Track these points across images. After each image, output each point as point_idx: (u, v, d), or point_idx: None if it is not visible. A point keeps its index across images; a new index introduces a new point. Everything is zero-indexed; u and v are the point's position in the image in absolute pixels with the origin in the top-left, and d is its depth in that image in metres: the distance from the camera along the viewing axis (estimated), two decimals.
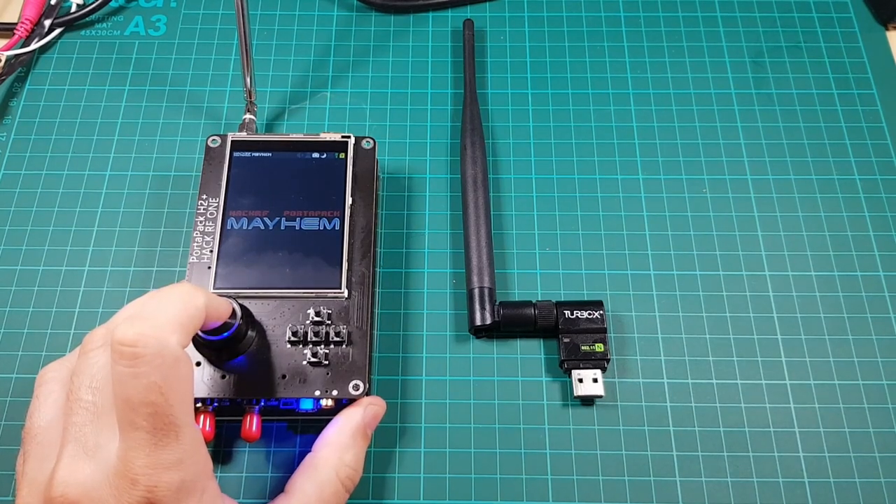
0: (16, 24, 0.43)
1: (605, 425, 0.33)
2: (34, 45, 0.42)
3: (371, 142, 0.36)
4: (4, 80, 0.41)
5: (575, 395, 0.33)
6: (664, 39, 0.44)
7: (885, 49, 0.43)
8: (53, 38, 0.43)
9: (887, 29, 0.44)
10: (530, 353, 0.35)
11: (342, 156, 0.35)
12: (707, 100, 0.42)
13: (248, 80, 0.38)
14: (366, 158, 0.35)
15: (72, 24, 0.44)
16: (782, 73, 0.43)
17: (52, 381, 0.27)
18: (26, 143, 0.40)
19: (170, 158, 0.40)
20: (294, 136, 0.36)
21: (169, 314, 0.24)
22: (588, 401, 0.34)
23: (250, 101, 0.38)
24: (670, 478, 0.32)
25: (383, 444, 0.33)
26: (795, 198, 0.39)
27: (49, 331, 0.35)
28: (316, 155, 0.35)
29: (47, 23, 0.43)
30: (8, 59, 0.41)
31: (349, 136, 0.35)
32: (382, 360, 0.35)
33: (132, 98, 0.42)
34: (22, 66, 0.42)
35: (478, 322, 0.34)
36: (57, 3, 0.44)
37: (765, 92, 0.42)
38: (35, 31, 0.43)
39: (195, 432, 0.24)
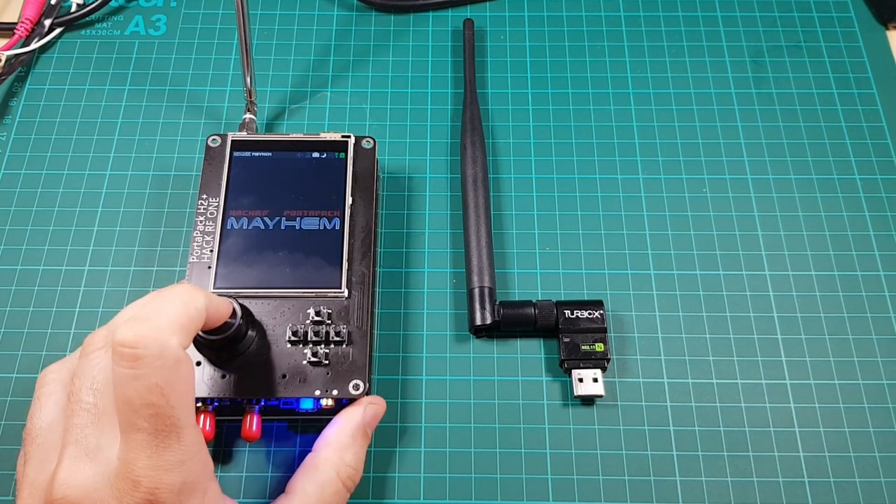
0: (16, 23, 0.43)
1: (605, 425, 0.33)
2: (34, 45, 0.42)
3: (371, 141, 0.36)
4: (4, 79, 0.41)
5: (575, 394, 0.33)
6: (664, 39, 0.44)
7: (885, 49, 0.43)
8: (53, 38, 0.43)
9: (887, 28, 0.44)
10: (530, 352, 0.35)
11: (342, 155, 0.35)
12: (707, 99, 0.42)
13: (248, 79, 0.38)
14: (366, 158, 0.35)
15: (72, 24, 0.44)
16: (782, 73, 0.43)
17: (53, 383, 0.27)
18: (26, 142, 0.40)
19: (170, 158, 0.40)
20: (294, 135, 0.36)
21: (169, 315, 0.24)
22: (588, 400, 0.34)
23: (250, 101, 0.38)
24: (670, 477, 0.32)
25: (383, 444, 0.33)
26: (795, 197, 0.39)
27: (49, 330, 0.35)
28: (316, 155, 0.35)
29: (47, 22, 0.43)
30: (8, 59, 0.41)
31: (349, 136, 0.35)
32: (382, 359, 0.35)
33: (132, 98, 0.42)
34: (22, 66, 0.42)
35: (478, 322, 0.34)
36: (57, 3, 0.44)
37: (765, 91, 0.42)
38: (35, 30, 0.43)
39: (197, 433, 0.24)
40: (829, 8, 0.45)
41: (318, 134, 0.36)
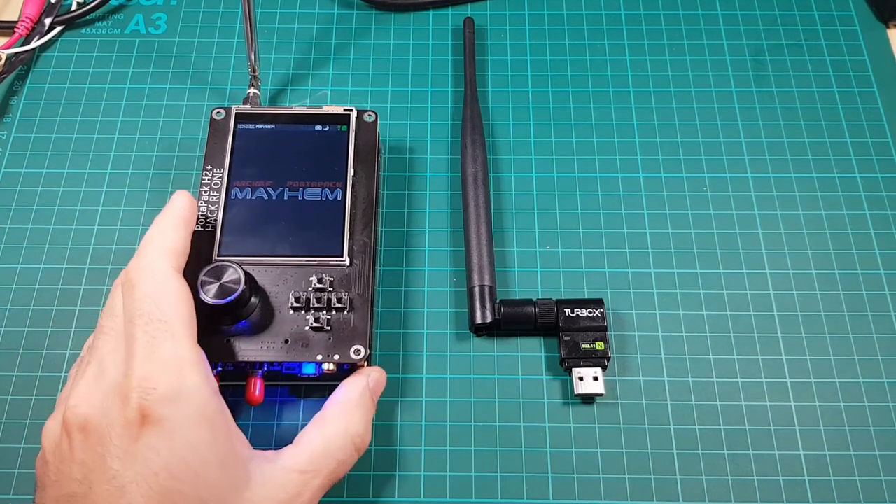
0: (16, 22, 0.43)
1: (605, 423, 0.33)
2: (35, 44, 0.42)
3: (373, 115, 0.36)
4: (5, 78, 0.41)
5: (575, 393, 0.33)
6: (665, 37, 0.44)
7: (885, 47, 0.43)
8: (54, 37, 0.43)
9: (888, 27, 0.44)
10: (531, 351, 0.35)
11: (344, 128, 0.35)
12: (708, 98, 0.42)
13: (253, 55, 0.38)
14: (368, 131, 0.36)
15: (72, 23, 0.44)
16: (783, 71, 0.43)
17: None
18: (27, 141, 0.40)
19: (170, 157, 0.40)
20: (297, 108, 0.36)
21: (155, 246, 0.28)
22: (588, 399, 0.34)
23: (254, 76, 0.39)
24: (671, 476, 0.32)
25: (384, 442, 0.33)
26: (796, 196, 0.39)
27: (50, 329, 0.35)
28: (319, 127, 0.35)
29: (48, 21, 0.43)
30: (8, 58, 0.41)
31: (351, 109, 0.36)
32: (383, 357, 0.35)
33: (132, 96, 0.42)
34: (22, 65, 0.42)
35: (478, 320, 0.34)
36: (57, 2, 0.44)
37: (765, 90, 0.42)
38: (35, 29, 0.43)
39: (196, 349, 0.26)
40: (829, 6, 0.45)
41: (321, 107, 0.36)
